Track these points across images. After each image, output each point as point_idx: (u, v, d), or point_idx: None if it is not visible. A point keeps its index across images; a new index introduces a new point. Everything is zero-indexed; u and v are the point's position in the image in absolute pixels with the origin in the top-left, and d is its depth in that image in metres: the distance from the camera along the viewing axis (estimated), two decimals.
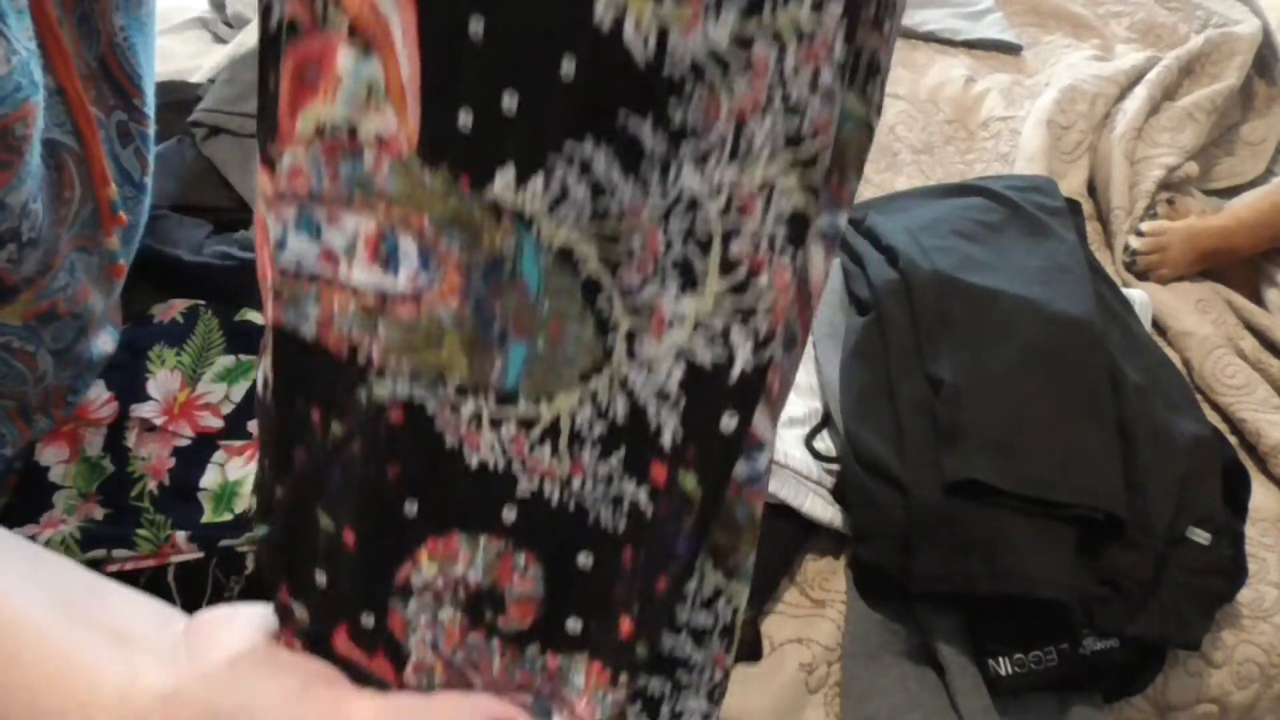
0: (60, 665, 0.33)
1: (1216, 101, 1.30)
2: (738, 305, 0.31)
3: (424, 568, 0.35)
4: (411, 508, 0.35)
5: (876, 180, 1.26)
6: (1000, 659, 0.77)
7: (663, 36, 0.28)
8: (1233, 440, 0.98)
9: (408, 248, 0.32)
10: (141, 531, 0.63)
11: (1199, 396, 1.01)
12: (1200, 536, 0.79)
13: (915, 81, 1.43)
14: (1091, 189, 1.27)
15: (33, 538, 0.62)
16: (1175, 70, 1.33)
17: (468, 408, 0.33)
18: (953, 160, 1.31)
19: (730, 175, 0.30)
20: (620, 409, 0.33)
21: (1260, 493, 0.94)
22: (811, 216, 0.31)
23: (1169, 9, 1.58)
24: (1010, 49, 1.52)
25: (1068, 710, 0.80)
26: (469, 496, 0.35)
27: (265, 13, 0.32)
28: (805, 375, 0.95)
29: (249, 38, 1.22)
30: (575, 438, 0.33)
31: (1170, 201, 1.23)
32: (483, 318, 0.32)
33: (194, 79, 1.10)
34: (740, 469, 0.35)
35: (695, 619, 0.37)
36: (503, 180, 0.30)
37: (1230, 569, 0.81)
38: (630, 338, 0.32)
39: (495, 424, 0.33)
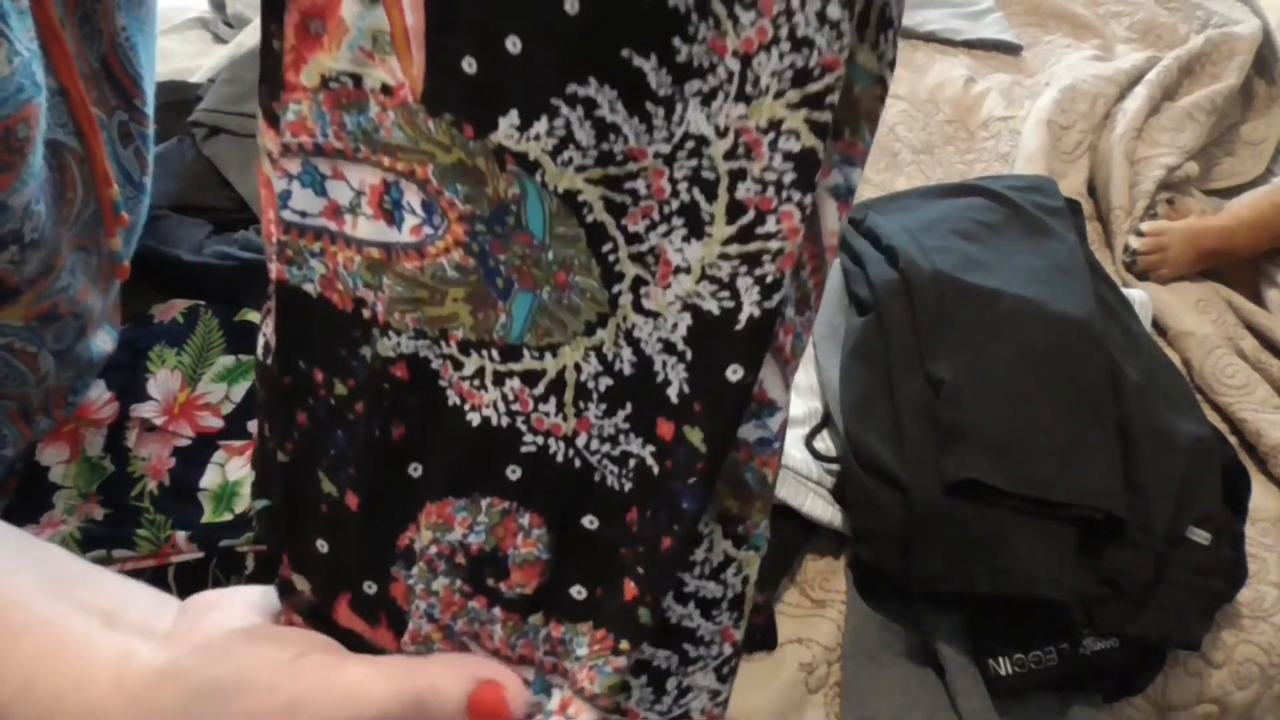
0: (54, 646, 0.34)
1: (1216, 101, 1.30)
2: (744, 251, 0.30)
3: (422, 533, 0.35)
4: (416, 470, 0.34)
5: (876, 180, 1.26)
6: (1000, 659, 0.77)
7: None
8: (1233, 440, 0.98)
9: (411, 199, 0.32)
10: (141, 532, 0.63)
11: (1199, 396, 1.01)
12: (1200, 536, 0.79)
13: (915, 81, 1.43)
14: (1091, 189, 1.27)
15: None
16: (1175, 70, 1.33)
17: (471, 363, 0.33)
18: (953, 160, 1.31)
19: (737, 114, 0.29)
20: (627, 362, 0.32)
21: (1260, 493, 0.94)
22: (821, 157, 0.28)
23: (1169, 9, 1.58)
24: (1010, 49, 1.52)
25: (1068, 710, 0.80)
26: (472, 456, 0.34)
27: None
28: (805, 375, 0.95)
29: (249, 38, 1.22)
30: (581, 392, 0.33)
31: (1170, 201, 1.23)
32: (487, 268, 0.32)
33: (194, 79, 1.10)
34: (750, 431, 0.33)
35: (704, 588, 0.36)
36: (506, 125, 0.30)
37: (1230, 569, 0.81)
38: (636, 287, 0.31)
39: (499, 379, 0.33)
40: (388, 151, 0.31)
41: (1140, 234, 1.17)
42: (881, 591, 0.81)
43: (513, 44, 0.29)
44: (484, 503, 0.34)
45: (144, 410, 0.68)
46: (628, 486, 0.33)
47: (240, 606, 0.37)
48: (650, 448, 0.33)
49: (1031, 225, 1.00)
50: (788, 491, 0.83)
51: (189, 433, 0.68)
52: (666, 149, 0.30)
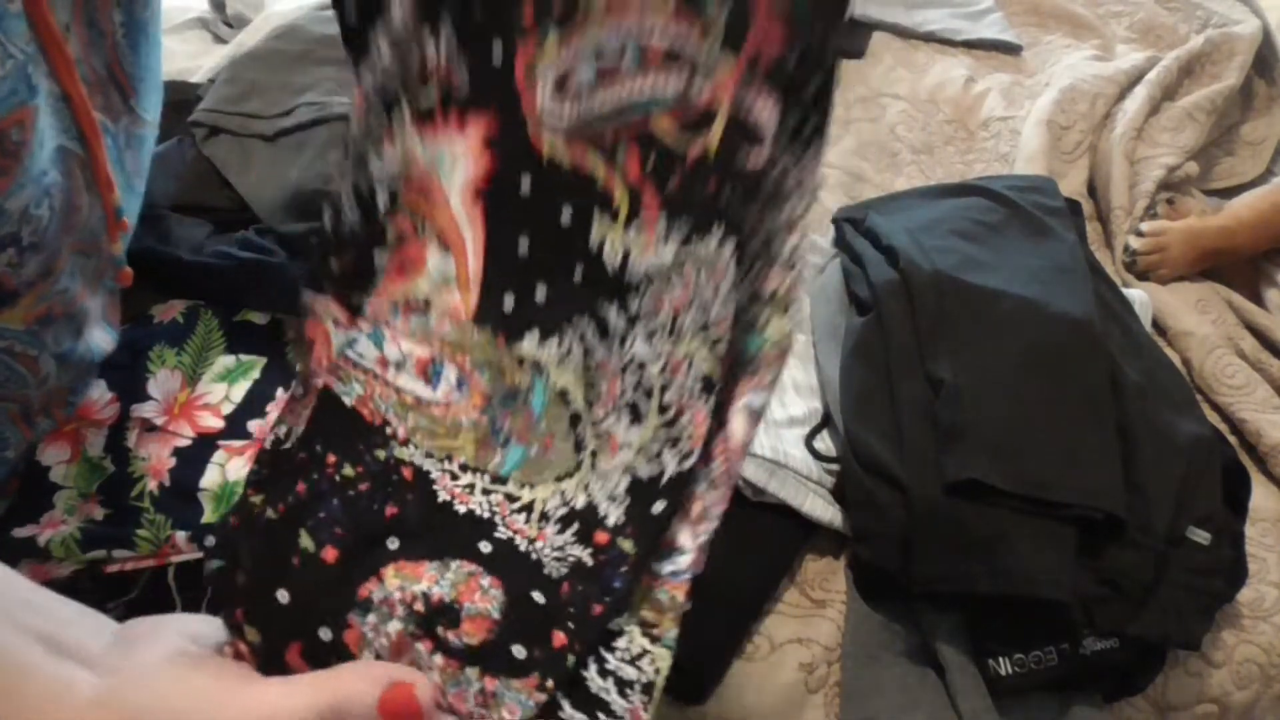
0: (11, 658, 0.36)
1: (1216, 101, 1.30)
2: (669, 435, 0.45)
3: (387, 581, 0.43)
4: (394, 543, 0.44)
5: (876, 180, 1.26)
6: (1000, 659, 0.77)
7: (626, 255, 0.44)
8: (1233, 440, 0.98)
9: (449, 374, 0.46)
10: (142, 532, 0.63)
11: (1199, 396, 1.01)
12: (1200, 536, 0.79)
13: (915, 81, 1.43)
14: (1091, 189, 1.27)
15: (33, 538, 0.62)
16: (1175, 70, 1.33)
17: (466, 479, 0.45)
18: (953, 160, 1.31)
19: (667, 347, 0.45)
20: (580, 503, 0.46)
21: (1260, 493, 0.94)
22: (716, 379, 0.45)
23: (1169, 9, 1.58)
24: (1010, 49, 1.52)
25: (1068, 710, 0.80)
26: (452, 533, 0.44)
27: (369, 210, 0.46)
28: (805, 375, 0.95)
29: (249, 38, 1.22)
30: (544, 516, 0.45)
31: (1170, 201, 1.23)
32: (494, 427, 0.46)
33: (194, 79, 1.10)
34: (663, 566, 0.46)
35: (622, 670, 0.45)
36: (530, 340, 0.45)
37: (1230, 569, 0.81)
38: (594, 455, 0.46)
39: (486, 493, 0.45)
40: (439, 340, 0.46)
41: (1140, 234, 1.17)
42: (881, 591, 0.81)
43: (540, 291, 0.45)
44: (454, 564, 0.44)
45: (144, 410, 0.68)
46: (564, 572, 0.45)
47: (175, 636, 0.39)
48: (588, 550, 0.45)
49: (1031, 225, 1.00)
50: (788, 491, 0.83)
51: (189, 433, 0.68)
52: (620, 365, 0.45)
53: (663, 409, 0.45)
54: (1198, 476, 0.82)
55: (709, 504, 0.46)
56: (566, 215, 0.45)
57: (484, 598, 0.43)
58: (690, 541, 0.46)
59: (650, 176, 0.44)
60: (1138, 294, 1.08)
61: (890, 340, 0.87)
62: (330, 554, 0.43)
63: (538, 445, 0.45)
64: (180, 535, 0.63)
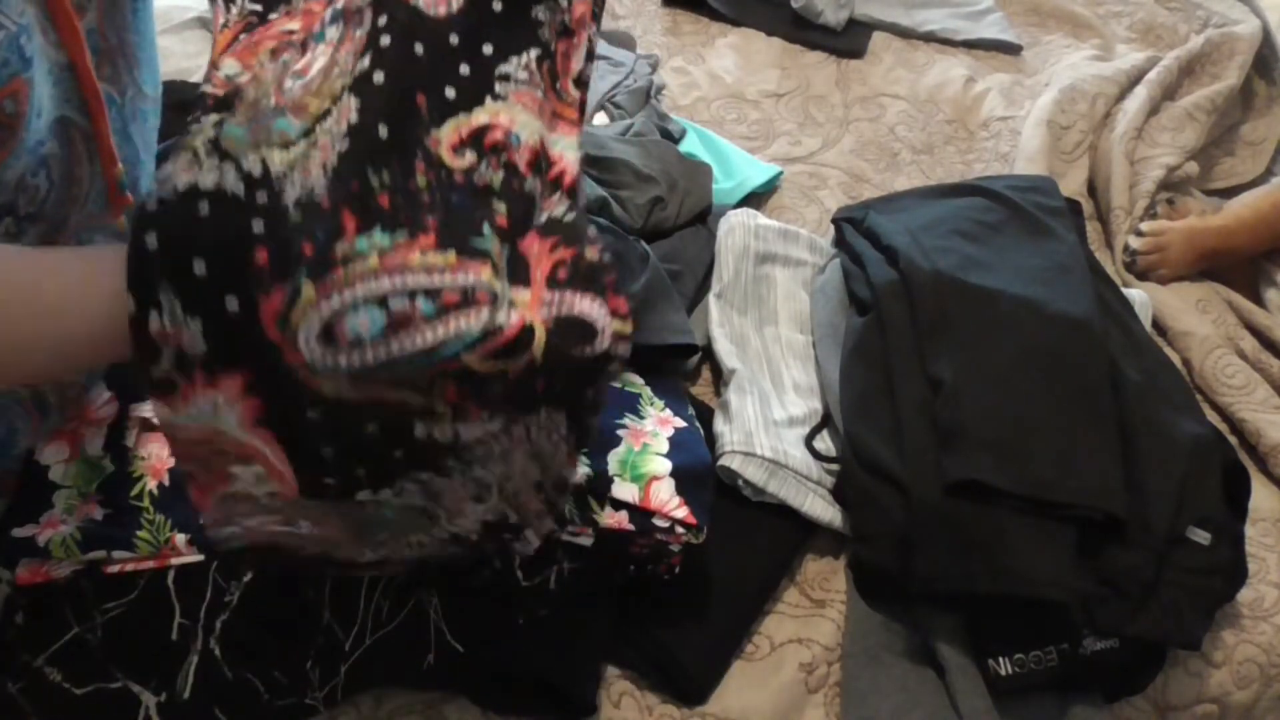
0: (50, 261, 0.42)
1: (1216, 101, 1.30)
2: (510, 505, 0.54)
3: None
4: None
5: (876, 180, 1.26)
6: (1000, 659, 0.77)
7: (457, 434, 0.47)
8: (1233, 440, 0.98)
9: (304, 523, 0.52)
10: (142, 534, 0.63)
11: (1199, 396, 1.01)
12: (1200, 536, 0.79)
13: (915, 81, 1.43)
14: (1091, 189, 1.27)
15: (33, 538, 0.62)
16: (1175, 70, 1.33)
17: (359, 551, 0.56)
18: (953, 160, 1.31)
19: (501, 471, 0.51)
20: (448, 536, 0.55)
21: (1260, 493, 0.94)
22: (545, 482, 0.54)
23: (1169, 9, 1.58)
24: (1010, 49, 1.52)
25: (1068, 710, 0.80)
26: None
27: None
28: (805, 375, 0.95)
29: None
30: (422, 545, 0.56)
31: (1170, 201, 1.23)
32: (359, 532, 0.52)
33: (194, 79, 1.10)
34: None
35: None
36: (364, 495, 0.50)
37: (1230, 569, 0.81)
38: (447, 515, 0.53)
39: (375, 546, 0.57)
40: (287, 509, 0.52)
41: (1140, 234, 1.17)
42: (881, 591, 0.81)
43: (360, 470, 0.50)
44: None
45: (144, 410, 0.68)
46: (464, 550, 0.58)
47: None
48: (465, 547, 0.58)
49: (1031, 225, 1.00)
50: (788, 491, 0.83)
51: None
52: (463, 483, 0.52)
53: (502, 493, 0.52)
54: (1198, 476, 0.82)
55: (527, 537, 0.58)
56: (374, 428, 0.46)
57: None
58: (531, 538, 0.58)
59: (470, 395, 0.45)
60: (1138, 294, 1.08)
61: (890, 340, 0.87)
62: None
63: (398, 525, 0.54)
64: (180, 538, 0.63)
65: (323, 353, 0.41)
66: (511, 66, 0.48)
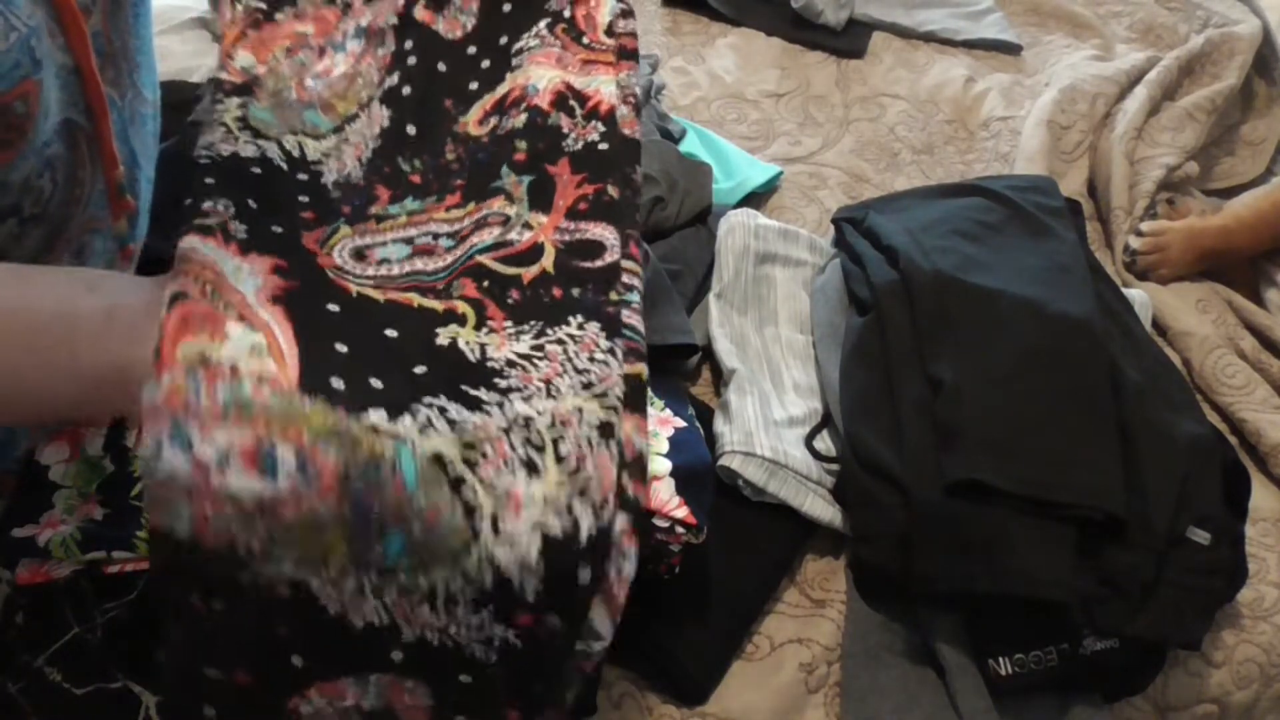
0: (56, 294, 0.39)
1: (1216, 101, 1.30)
2: (575, 486, 0.42)
3: (314, 700, 0.41)
4: (299, 660, 0.41)
5: (876, 180, 1.26)
6: (1000, 659, 0.77)
7: (484, 349, 0.44)
8: (1233, 440, 0.98)
9: (286, 455, 0.38)
10: (142, 534, 0.63)
11: (1199, 396, 1.01)
12: (1200, 536, 0.79)
13: (915, 81, 1.43)
14: (1091, 189, 1.27)
15: (33, 538, 0.62)
16: (1175, 70, 1.33)
17: (350, 583, 0.40)
18: (953, 160, 1.31)
19: (549, 405, 0.43)
20: (489, 579, 0.41)
21: (1260, 493, 0.94)
22: (616, 425, 0.43)
23: (1169, 9, 1.58)
24: (1010, 49, 1.52)
25: (1068, 710, 0.80)
26: (355, 649, 0.41)
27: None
28: (805, 375, 0.95)
29: None
30: (450, 599, 0.41)
31: (1170, 201, 1.23)
32: (360, 513, 0.39)
33: (194, 79, 1.10)
34: (577, 646, 0.43)
35: None
36: (377, 415, 0.40)
37: (1230, 569, 0.81)
38: (494, 518, 0.40)
39: (378, 591, 0.40)
40: (263, 414, 0.38)
41: (1140, 234, 1.17)
42: (881, 591, 0.81)
43: (375, 381, 0.41)
44: (372, 678, 0.41)
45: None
46: (494, 658, 0.42)
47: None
48: (512, 630, 0.42)
49: (1031, 225, 1.00)
50: (788, 491, 0.83)
51: None
52: (505, 425, 0.42)
53: (561, 459, 0.42)
54: (1198, 476, 0.82)
55: (624, 584, 0.44)
56: (392, 332, 0.43)
57: (412, 697, 0.42)
58: (607, 627, 0.43)
59: (487, 293, 0.46)
60: (1138, 294, 1.08)
61: (890, 340, 0.87)
62: (242, 678, 0.40)
63: (419, 523, 0.39)
64: None
65: (354, 264, 0.45)
66: (523, 41, 0.52)
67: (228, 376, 0.38)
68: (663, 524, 0.69)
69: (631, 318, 0.46)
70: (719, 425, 0.86)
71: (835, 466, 0.85)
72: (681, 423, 0.77)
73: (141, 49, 0.62)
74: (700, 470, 0.73)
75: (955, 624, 0.79)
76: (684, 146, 1.17)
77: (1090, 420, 0.81)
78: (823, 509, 0.84)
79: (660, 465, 0.71)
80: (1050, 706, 0.80)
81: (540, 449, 0.42)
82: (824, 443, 0.88)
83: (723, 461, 0.82)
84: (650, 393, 0.80)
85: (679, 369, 0.93)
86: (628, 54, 0.54)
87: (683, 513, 0.69)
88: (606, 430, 0.43)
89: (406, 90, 0.50)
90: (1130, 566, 0.77)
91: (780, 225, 1.05)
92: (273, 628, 0.40)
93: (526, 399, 0.43)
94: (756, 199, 1.17)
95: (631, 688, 0.77)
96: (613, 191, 0.49)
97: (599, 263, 0.47)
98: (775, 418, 0.87)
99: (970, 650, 0.78)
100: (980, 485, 0.76)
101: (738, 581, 0.80)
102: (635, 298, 0.47)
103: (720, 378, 0.93)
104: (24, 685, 0.61)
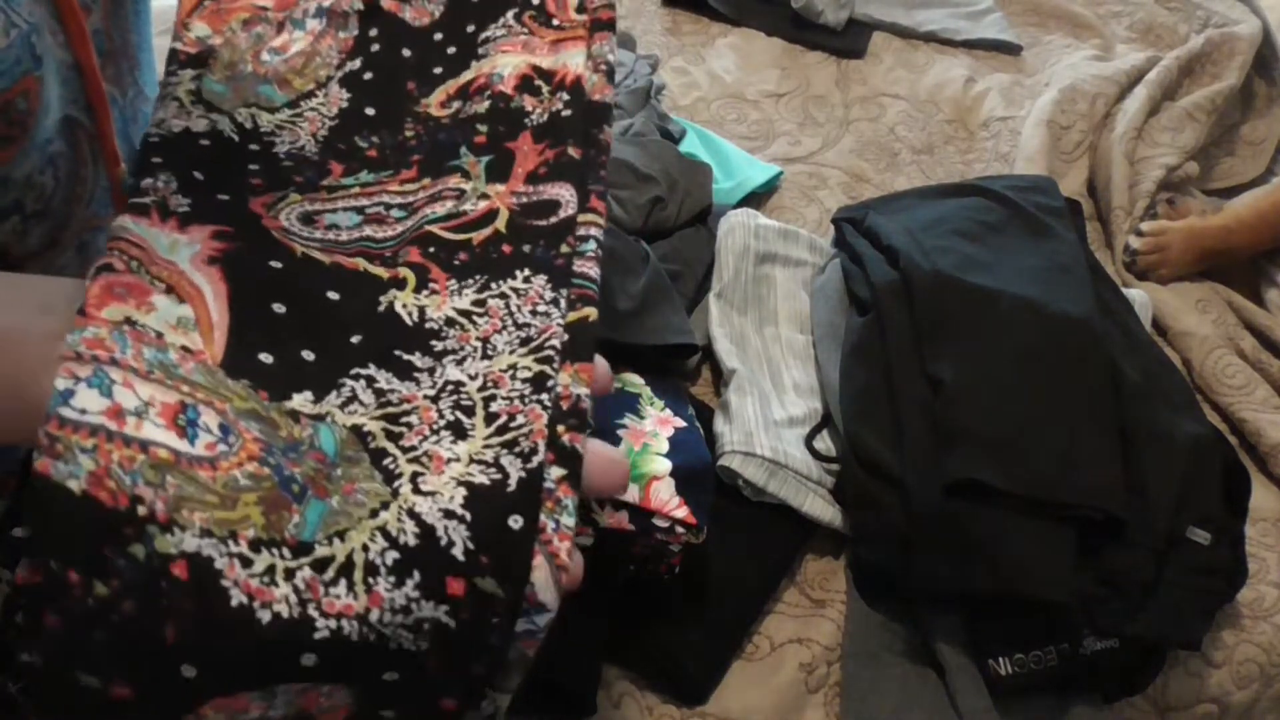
0: (8, 317, 0.36)
1: (1216, 101, 1.30)
2: (503, 441, 0.39)
3: (211, 717, 0.36)
4: (189, 670, 0.35)
5: (876, 180, 1.26)
6: (1000, 659, 0.77)
7: (422, 310, 0.42)
8: (1233, 440, 0.98)
9: (209, 420, 0.36)
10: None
11: (1199, 396, 1.01)
12: (1200, 536, 0.79)
13: (915, 81, 1.43)
14: (1091, 189, 1.27)
15: None
16: (1175, 70, 1.33)
17: (261, 561, 0.35)
18: (953, 160, 1.31)
19: (482, 367, 0.41)
20: (410, 534, 0.36)
21: (1260, 493, 0.94)
22: (552, 376, 0.41)
23: (1169, 9, 1.58)
24: (1010, 49, 1.52)
25: (1068, 710, 0.80)
26: (260, 652, 0.35)
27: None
28: (805, 375, 0.95)
29: None
30: (370, 569, 0.36)
31: (1170, 201, 1.23)
32: (282, 478, 0.36)
33: None
34: (520, 624, 0.38)
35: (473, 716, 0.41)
36: (300, 399, 0.39)
37: (1230, 569, 0.81)
38: (414, 478, 0.38)
39: (290, 574, 0.35)
40: (187, 383, 0.37)
41: (1140, 234, 1.17)
42: (881, 591, 0.81)
43: (307, 354, 0.40)
44: (280, 689, 0.36)
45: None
46: (424, 646, 0.37)
47: None
48: (443, 608, 0.36)
49: (1031, 225, 1.00)
50: (788, 491, 0.83)
51: None
52: (433, 393, 0.40)
53: (490, 418, 0.40)
54: (1198, 476, 0.82)
55: (565, 524, 0.40)
56: (333, 295, 0.42)
57: (329, 699, 0.37)
58: (552, 597, 0.39)
59: (432, 258, 0.44)
60: (1138, 294, 1.08)
61: (890, 340, 0.87)
62: (122, 691, 0.35)
63: (338, 495, 0.37)
64: None
65: (301, 228, 0.44)
66: (490, 31, 0.51)
67: (153, 340, 0.37)
68: (663, 524, 0.69)
69: (584, 266, 0.44)
70: (719, 425, 0.86)
71: (835, 466, 0.85)
72: (681, 423, 0.77)
73: (142, 47, 0.62)
74: (700, 470, 0.73)
75: (955, 624, 0.79)
76: (684, 146, 1.17)
77: (1090, 420, 0.81)
78: (823, 509, 0.84)
79: (660, 465, 0.71)
80: (1050, 706, 0.80)
81: (469, 412, 0.40)
82: (824, 443, 0.88)
83: (723, 461, 0.82)
84: (650, 393, 0.81)
85: (679, 369, 0.93)
86: (602, 25, 0.52)
87: (683, 513, 0.69)
88: (539, 382, 0.40)
89: (368, 76, 0.50)
90: (1130, 566, 0.77)
91: (780, 225, 1.05)
92: (160, 626, 0.34)
93: (460, 362, 0.41)
94: (756, 199, 1.17)
95: (631, 688, 0.77)
96: (573, 152, 0.47)
97: (553, 219, 0.45)
98: (775, 418, 0.87)
99: (970, 650, 0.79)
100: (980, 485, 0.76)
101: (738, 582, 0.80)
102: (591, 247, 0.44)
103: (720, 378, 0.93)
104: (24, 685, 0.61)
